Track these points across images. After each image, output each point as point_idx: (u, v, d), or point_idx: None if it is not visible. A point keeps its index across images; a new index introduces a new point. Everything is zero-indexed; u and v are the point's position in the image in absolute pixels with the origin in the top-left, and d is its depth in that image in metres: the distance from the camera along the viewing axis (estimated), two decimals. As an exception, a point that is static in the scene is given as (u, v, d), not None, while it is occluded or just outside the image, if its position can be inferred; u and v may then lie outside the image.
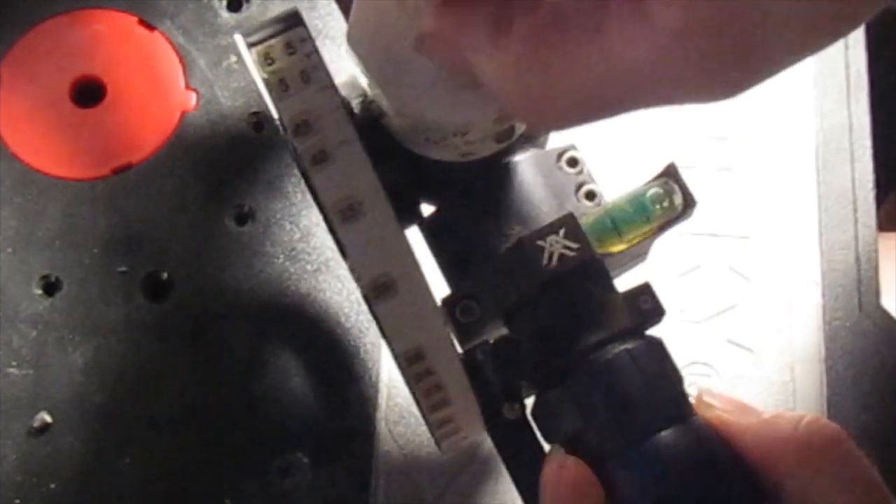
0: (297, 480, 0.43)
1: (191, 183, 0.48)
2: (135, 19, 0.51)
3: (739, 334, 0.45)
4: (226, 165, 0.48)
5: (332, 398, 0.44)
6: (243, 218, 0.47)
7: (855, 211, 0.47)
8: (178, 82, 0.50)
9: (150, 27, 0.51)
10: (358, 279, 0.28)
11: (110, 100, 0.49)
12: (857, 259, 0.46)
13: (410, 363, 0.29)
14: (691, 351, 0.45)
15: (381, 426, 0.44)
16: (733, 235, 0.47)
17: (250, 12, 0.51)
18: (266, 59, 0.28)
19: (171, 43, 0.50)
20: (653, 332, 0.32)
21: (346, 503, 0.43)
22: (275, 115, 0.31)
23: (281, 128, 0.28)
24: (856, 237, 0.46)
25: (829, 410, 0.44)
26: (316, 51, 0.28)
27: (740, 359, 0.45)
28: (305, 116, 0.27)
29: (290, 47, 0.28)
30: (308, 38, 0.28)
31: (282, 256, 0.47)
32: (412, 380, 0.29)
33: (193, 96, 0.50)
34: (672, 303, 0.45)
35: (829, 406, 0.44)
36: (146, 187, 0.48)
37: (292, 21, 0.28)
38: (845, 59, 0.49)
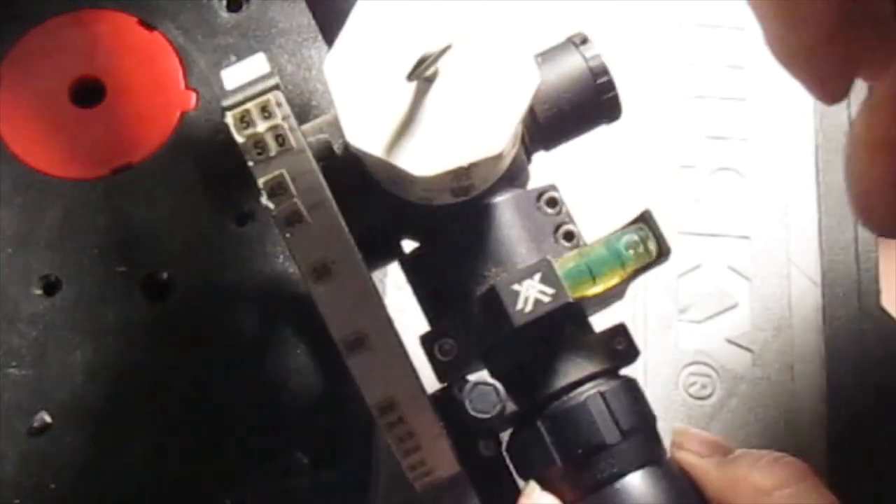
0: (297, 480, 0.43)
1: (191, 183, 0.48)
2: (134, 19, 0.51)
3: (739, 334, 0.45)
4: (226, 165, 0.48)
5: (332, 398, 0.44)
6: (243, 218, 0.47)
7: (855, 211, 0.47)
8: (178, 82, 0.50)
9: (150, 27, 0.51)
10: (332, 335, 0.29)
11: (110, 100, 0.49)
12: (857, 259, 0.46)
13: (383, 413, 0.30)
14: (691, 351, 0.45)
15: (381, 426, 0.43)
16: (733, 235, 0.47)
17: (250, 12, 0.51)
18: (242, 123, 0.29)
19: (170, 43, 0.50)
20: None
21: (346, 503, 0.43)
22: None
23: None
24: (856, 237, 0.46)
25: (829, 410, 0.44)
26: (291, 114, 0.29)
27: (740, 359, 0.45)
28: (280, 179, 0.28)
29: (265, 111, 0.29)
30: (283, 103, 0.29)
31: (282, 256, 0.47)
32: (385, 428, 0.30)
33: (193, 96, 0.50)
34: (672, 302, 0.46)
35: (829, 406, 0.44)
36: (146, 187, 0.48)
37: (269, 85, 0.29)
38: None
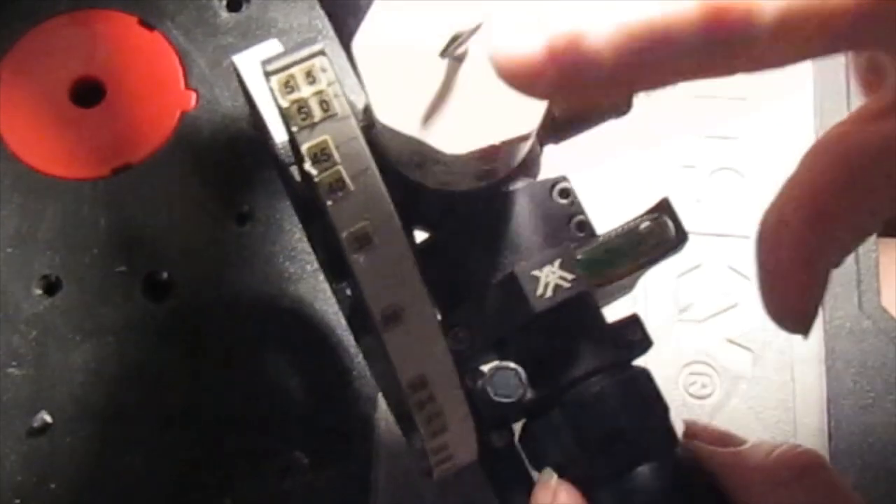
0: (297, 480, 0.43)
1: (191, 183, 0.48)
2: (135, 19, 0.51)
3: (739, 334, 0.45)
4: (226, 165, 0.48)
5: (332, 398, 0.44)
6: (243, 218, 0.47)
7: (855, 211, 0.47)
8: (178, 82, 0.50)
9: (150, 27, 0.51)
10: (350, 304, 0.28)
11: (110, 100, 0.49)
12: (857, 259, 0.46)
13: (414, 390, 0.29)
14: (691, 350, 0.45)
15: (381, 426, 0.44)
16: (733, 235, 0.47)
17: (250, 12, 0.51)
18: (286, 88, 0.28)
19: (170, 43, 0.50)
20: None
21: (346, 503, 0.43)
22: (277, 142, 0.32)
23: (293, 156, 0.28)
24: (856, 237, 0.46)
25: (829, 410, 0.44)
26: (337, 80, 0.28)
27: (740, 359, 0.45)
28: (324, 146, 0.28)
29: (310, 76, 0.28)
30: (328, 69, 0.28)
31: (282, 256, 0.47)
32: (415, 407, 0.29)
33: (193, 96, 0.50)
34: (672, 302, 0.46)
35: (829, 406, 0.44)
36: (146, 187, 0.48)
37: (314, 51, 0.28)
38: (845, 59, 0.49)
